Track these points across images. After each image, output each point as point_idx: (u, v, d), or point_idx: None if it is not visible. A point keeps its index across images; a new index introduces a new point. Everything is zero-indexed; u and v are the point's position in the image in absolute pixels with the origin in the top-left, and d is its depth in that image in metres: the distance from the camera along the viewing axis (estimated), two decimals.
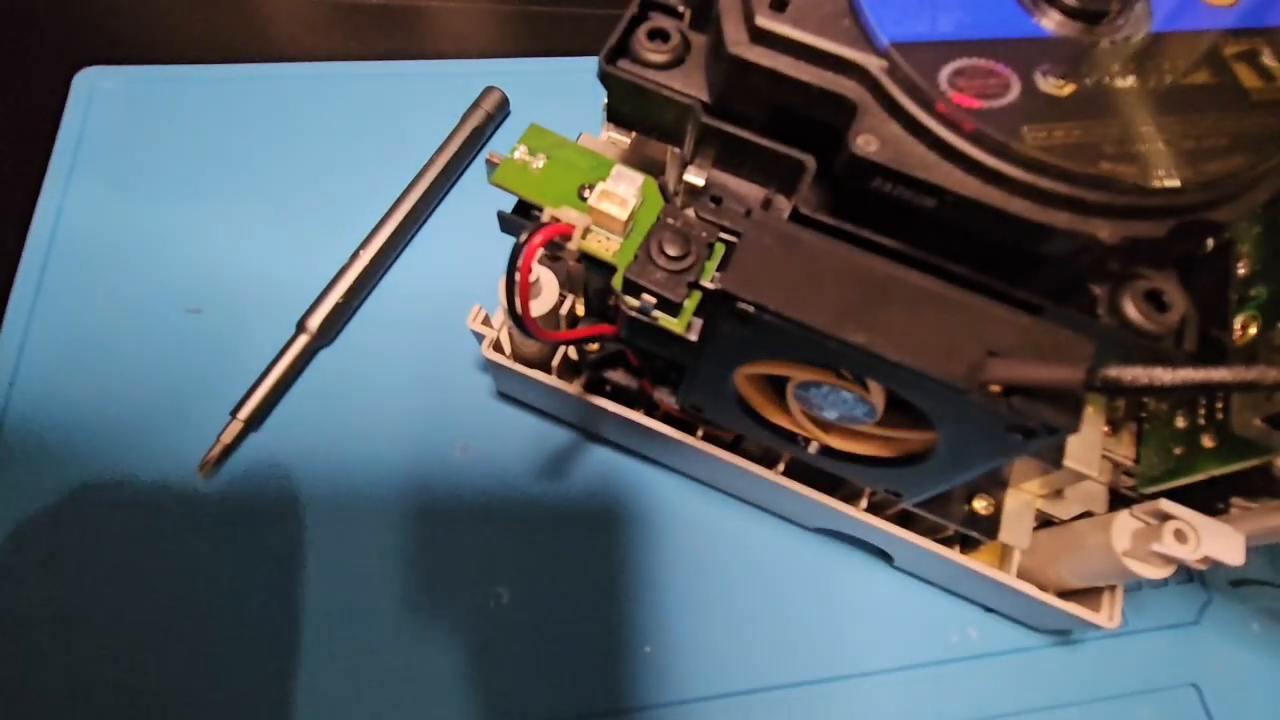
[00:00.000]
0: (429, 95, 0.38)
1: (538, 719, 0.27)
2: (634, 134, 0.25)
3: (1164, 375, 0.14)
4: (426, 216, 0.36)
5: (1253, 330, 0.20)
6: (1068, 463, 0.22)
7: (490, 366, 0.29)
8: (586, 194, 0.21)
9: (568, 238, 0.20)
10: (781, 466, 0.27)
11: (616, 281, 0.19)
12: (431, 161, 0.36)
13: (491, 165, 0.22)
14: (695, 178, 0.20)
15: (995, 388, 0.16)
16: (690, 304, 0.19)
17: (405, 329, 0.34)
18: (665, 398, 0.26)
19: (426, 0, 0.42)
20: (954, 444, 0.19)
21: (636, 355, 0.25)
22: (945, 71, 0.17)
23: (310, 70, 0.39)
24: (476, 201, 0.37)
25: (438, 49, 0.41)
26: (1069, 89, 0.17)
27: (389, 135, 0.37)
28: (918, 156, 0.16)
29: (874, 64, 0.17)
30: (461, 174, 0.37)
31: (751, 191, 0.20)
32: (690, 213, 0.20)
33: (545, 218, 0.20)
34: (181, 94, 0.38)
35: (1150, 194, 0.16)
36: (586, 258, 0.20)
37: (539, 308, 0.25)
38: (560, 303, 0.25)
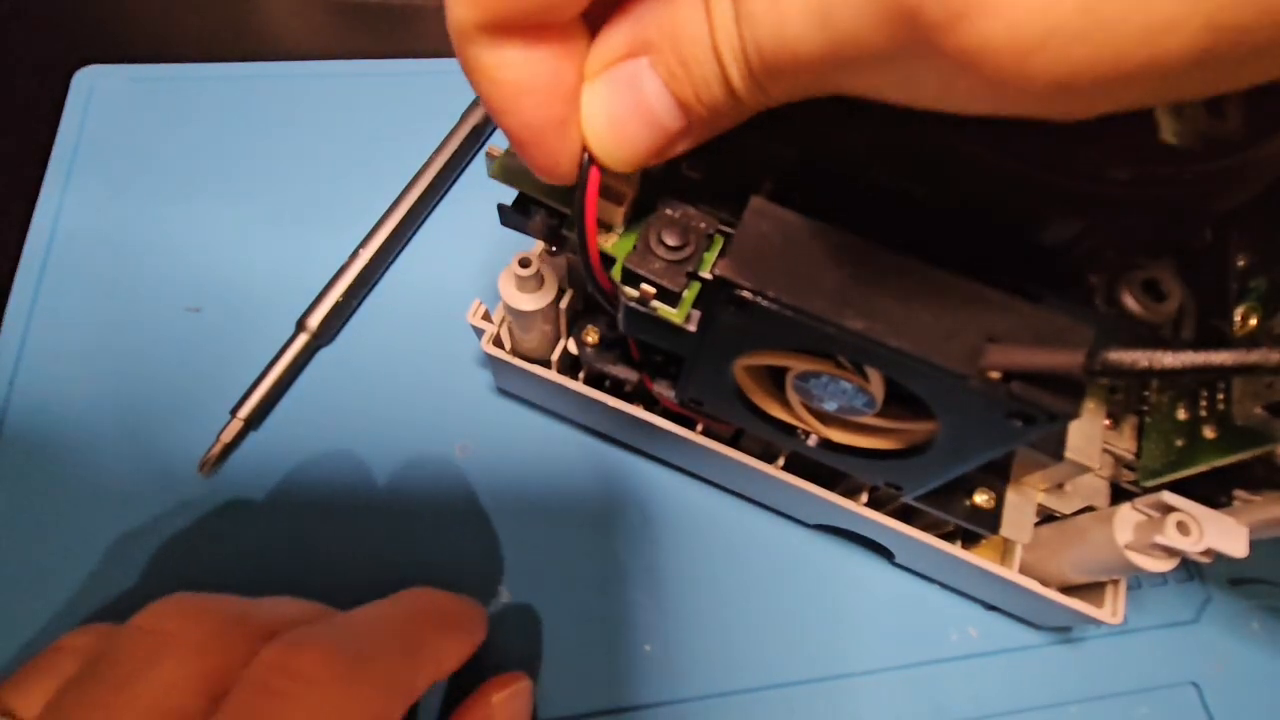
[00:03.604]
0: (429, 94, 0.38)
1: (538, 718, 0.27)
2: None
3: (1165, 358, 0.14)
4: (426, 215, 0.36)
5: (1253, 322, 0.20)
6: (1069, 455, 0.22)
7: (490, 362, 0.29)
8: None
9: None
10: (781, 461, 0.27)
11: (616, 272, 0.19)
12: (431, 160, 0.36)
13: (491, 159, 0.22)
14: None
15: (995, 374, 0.16)
16: (689, 294, 0.19)
17: (405, 327, 0.34)
18: (664, 392, 0.26)
19: (426, 0, 0.43)
20: (954, 433, 0.19)
21: (636, 346, 0.25)
22: None
23: (310, 70, 0.40)
24: (476, 199, 0.37)
25: (438, 48, 0.41)
26: None
27: (389, 134, 0.38)
28: None
29: None
30: (461, 172, 0.37)
31: None
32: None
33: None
34: (181, 93, 0.38)
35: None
36: None
37: (538, 301, 0.25)
38: (560, 296, 0.25)
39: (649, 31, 0.14)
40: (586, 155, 0.16)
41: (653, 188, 0.20)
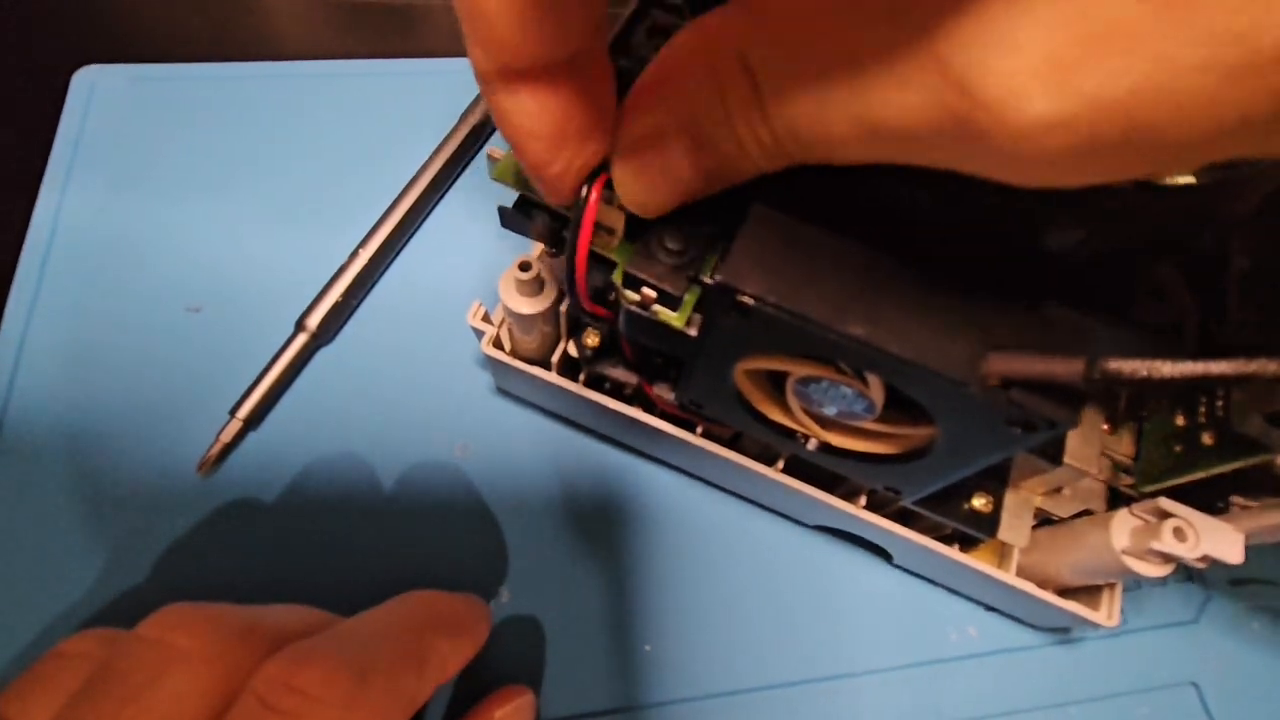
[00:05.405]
0: (429, 94, 0.38)
1: (538, 718, 0.27)
2: None
3: (1164, 368, 0.14)
4: (426, 215, 0.36)
5: None
6: (1067, 460, 0.22)
7: (490, 363, 0.29)
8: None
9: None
10: (780, 464, 0.27)
11: (617, 275, 0.19)
12: (431, 159, 0.36)
13: (493, 160, 0.22)
14: None
15: (995, 381, 0.16)
16: (690, 298, 0.19)
17: (404, 327, 0.34)
18: (664, 394, 0.26)
19: (426, 0, 0.42)
20: (953, 439, 0.19)
21: (634, 350, 0.25)
22: None
23: (310, 69, 0.39)
24: (476, 200, 0.37)
25: (438, 48, 0.41)
26: None
27: (389, 134, 0.37)
28: None
29: None
30: (461, 172, 0.37)
31: None
32: None
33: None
34: (181, 93, 0.38)
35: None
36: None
37: (538, 305, 0.25)
38: (560, 299, 0.25)
39: (669, 120, 0.15)
40: (586, 187, 0.17)
41: None
